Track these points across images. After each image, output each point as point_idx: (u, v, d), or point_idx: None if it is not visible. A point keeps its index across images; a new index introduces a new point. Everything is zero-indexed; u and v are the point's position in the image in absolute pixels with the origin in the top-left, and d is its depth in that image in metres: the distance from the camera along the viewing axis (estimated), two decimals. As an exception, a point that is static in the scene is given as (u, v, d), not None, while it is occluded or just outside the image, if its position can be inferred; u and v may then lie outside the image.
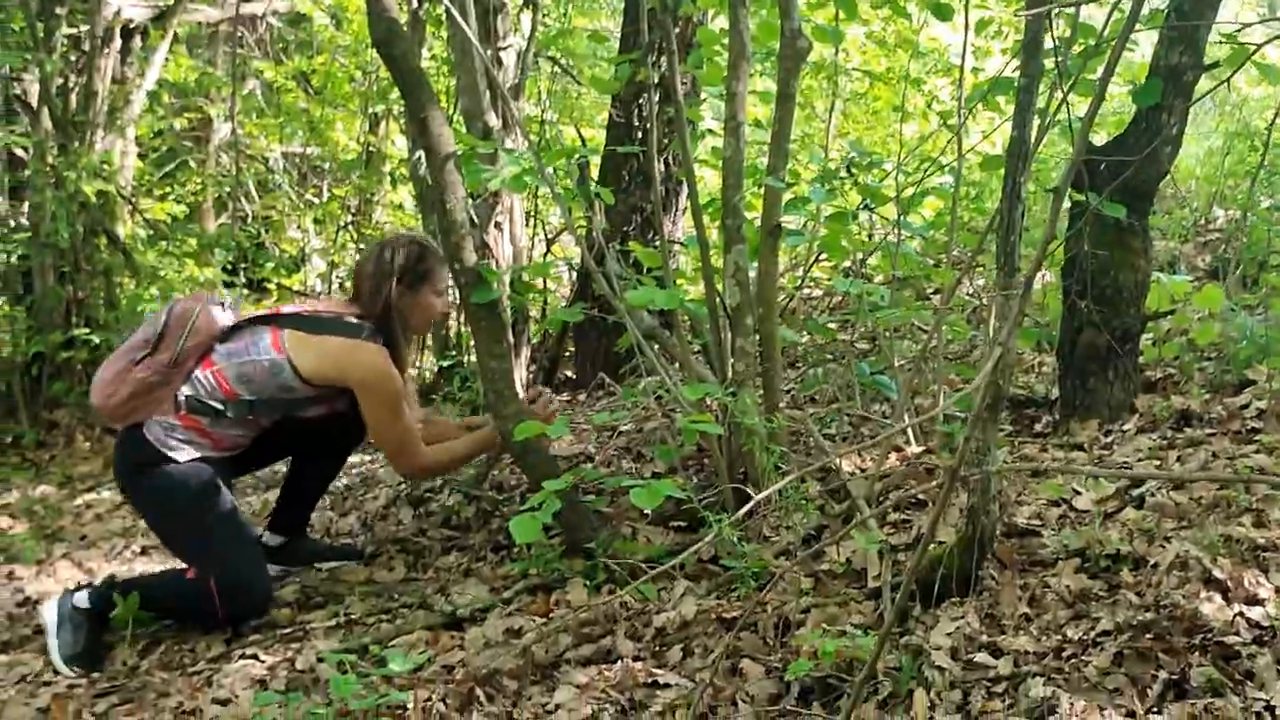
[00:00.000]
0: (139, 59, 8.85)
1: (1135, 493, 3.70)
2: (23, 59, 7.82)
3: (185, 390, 4.20)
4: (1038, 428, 4.80)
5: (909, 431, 4.49)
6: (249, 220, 11.32)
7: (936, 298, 6.36)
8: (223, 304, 4.39)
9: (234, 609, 4.15)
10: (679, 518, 4.32)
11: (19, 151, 8.21)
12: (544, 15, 9.09)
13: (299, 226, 11.26)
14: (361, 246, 9.91)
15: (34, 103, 8.12)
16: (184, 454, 4.18)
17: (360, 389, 4.28)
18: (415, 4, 7.61)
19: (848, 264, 6.56)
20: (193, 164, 11.03)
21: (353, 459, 6.29)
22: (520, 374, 6.40)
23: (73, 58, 8.37)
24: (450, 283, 4.35)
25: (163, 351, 4.20)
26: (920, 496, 3.94)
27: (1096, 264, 4.44)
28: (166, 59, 9.35)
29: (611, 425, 5.49)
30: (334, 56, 10.75)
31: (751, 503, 3.19)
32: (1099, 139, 5.01)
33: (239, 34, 11.51)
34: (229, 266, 10.95)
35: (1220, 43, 4.09)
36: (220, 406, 4.22)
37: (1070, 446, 4.35)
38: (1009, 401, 4.94)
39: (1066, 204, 4.33)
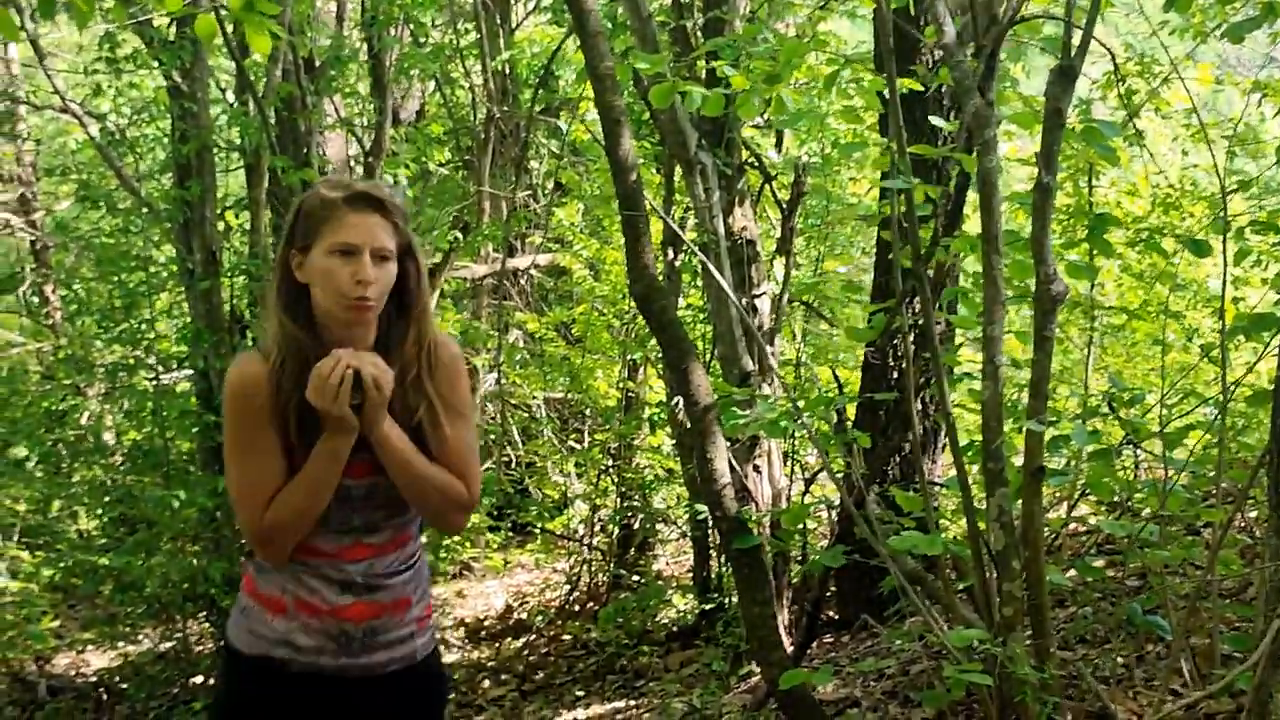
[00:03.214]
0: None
1: None
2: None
3: None
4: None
5: (1186, 674, 4.36)
6: (513, 465, 11.60)
7: (1207, 532, 6.19)
8: None
9: None
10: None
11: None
12: (797, 259, 9.26)
13: (561, 471, 11.49)
14: (624, 491, 10.06)
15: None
16: None
17: None
18: (671, 255, 7.84)
19: (1114, 500, 6.44)
20: (460, 413, 11.36)
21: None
22: (783, 617, 6.39)
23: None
24: (361, 240, 2.90)
25: None
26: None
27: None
28: (434, 314, 9.76)
29: (878, 670, 5.43)
30: (593, 306, 11.07)
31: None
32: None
33: (503, 287, 11.96)
34: (494, 512, 11.23)
35: None
36: None
37: (1360, 689, 4.17)
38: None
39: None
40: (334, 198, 2.93)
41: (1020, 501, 4.21)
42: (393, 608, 3.06)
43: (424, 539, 3.30)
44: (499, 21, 12.01)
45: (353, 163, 12.19)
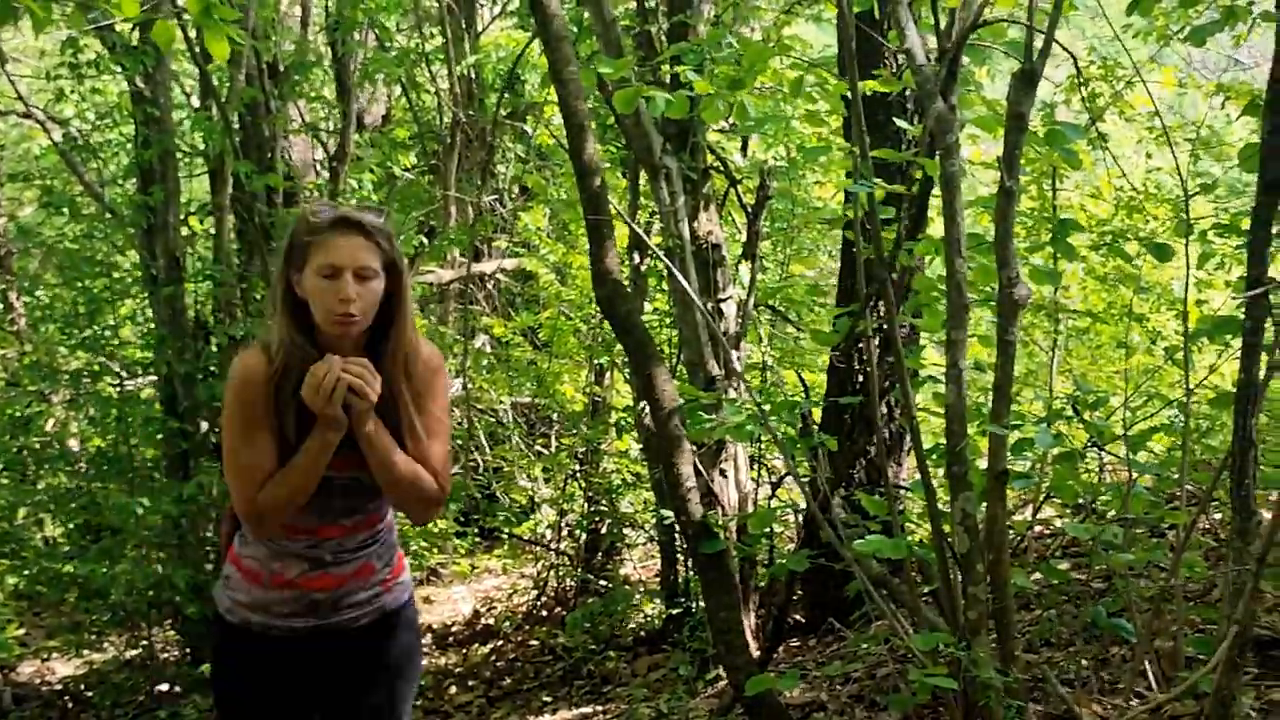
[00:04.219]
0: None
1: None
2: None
3: None
4: (1287, 670, 4.62)
5: (1150, 677, 4.37)
6: (480, 470, 11.57)
7: (1171, 535, 6.21)
8: None
9: None
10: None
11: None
12: (763, 263, 9.26)
13: (528, 476, 11.47)
14: (591, 496, 10.05)
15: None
16: None
17: None
18: (637, 259, 7.84)
19: (1079, 503, 6.46)
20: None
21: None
22: (749, 622, 6.39)
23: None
24: (344, 261, 3.19)
25: None
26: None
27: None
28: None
29: (844, 673, 5.43)
30: (560, 311, 11.06)
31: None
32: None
33: (469, 292, 11.94)
34: (461, 517, 11.20)
35: None
36: None
37: (1322, 690, 4.19)
38: (1254, 643, 4.77)
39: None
40: (319, 223, 3.24)
41: (985, 505, 4.22)
42: (355, 575, 3.46)
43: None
44: (464, 26, 11.99)
45: (317, 167, 12.15)
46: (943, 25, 4.35)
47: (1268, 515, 3.29)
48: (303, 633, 3.44)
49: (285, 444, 3.28)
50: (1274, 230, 3.86)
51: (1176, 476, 5.15)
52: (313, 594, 3.42)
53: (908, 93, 6.26)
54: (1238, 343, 3.41)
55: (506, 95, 10.88)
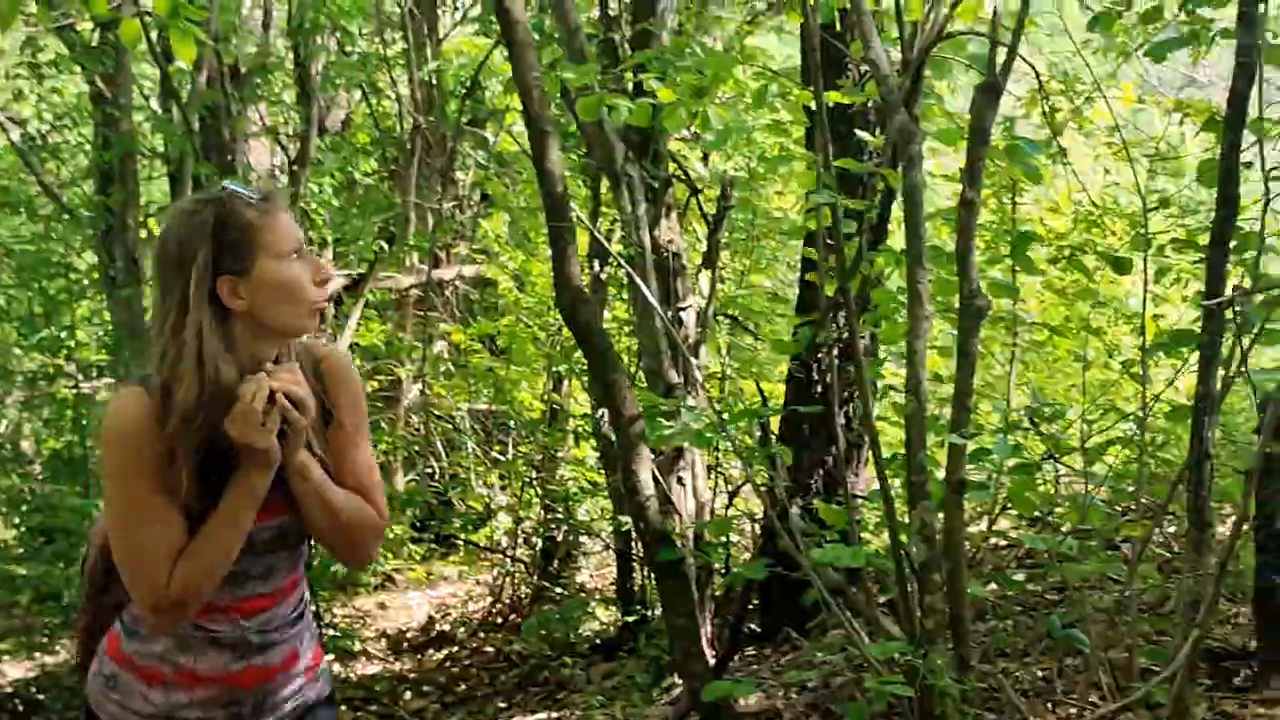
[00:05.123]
0: (334, 326, 9.21)
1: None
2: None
3: None
4: (1236, 681, 4.66)
5: (1105, 687, 4.40)
6: (436, 477, 11.56)
7: (1126, 547, 6.26)
8: None
9: None
10: (871, 778, 4.25)
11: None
12: (723, 273, 9.29)
13: (485, 483, 11.46)
14: (548, 503, 10.05)
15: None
16: None
17: None
18: (597, 267, 7.85)
19: (1035, 515, 6.50)
20: (384, 424, 11.34)
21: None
22: (706, 630, 6.40)
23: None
24: (300, 238, 2.65)
25: None
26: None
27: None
28: (359, 324, 9.73)
29: (800, 682, 5.45)
30: (519, 318, 11.06)
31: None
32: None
33: (428, 298, 11.93)
34: (417, 523, 11.18)
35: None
36: None
37: (1272, 702, 4.23)
38: (1205, 654, 4.81)
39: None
40: (256, 203, 2.58)
41: (942, 515, 4.24)
42: (283, 666, 2.77)
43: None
44: (426, 31, 11.97)
45: (278, 171, 12.11)
46: (906, 37, 4.37)
47: (1224, 528, 3.33)
48: None
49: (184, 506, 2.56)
50: (1230, 245, 3.91)
51: (1133, 489, 5.20)
52: (235, 690, 2.70)
53: (870, 104, 6.29)
54: (1195, 357, 3.45)
55: (468, 101, 10.87)
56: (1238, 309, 3.57)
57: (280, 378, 2.53)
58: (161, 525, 2.52)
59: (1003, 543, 7.72)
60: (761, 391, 7.32)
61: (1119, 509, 6.07)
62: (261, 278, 2.55)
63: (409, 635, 10.27)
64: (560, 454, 10.38)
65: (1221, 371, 3.60)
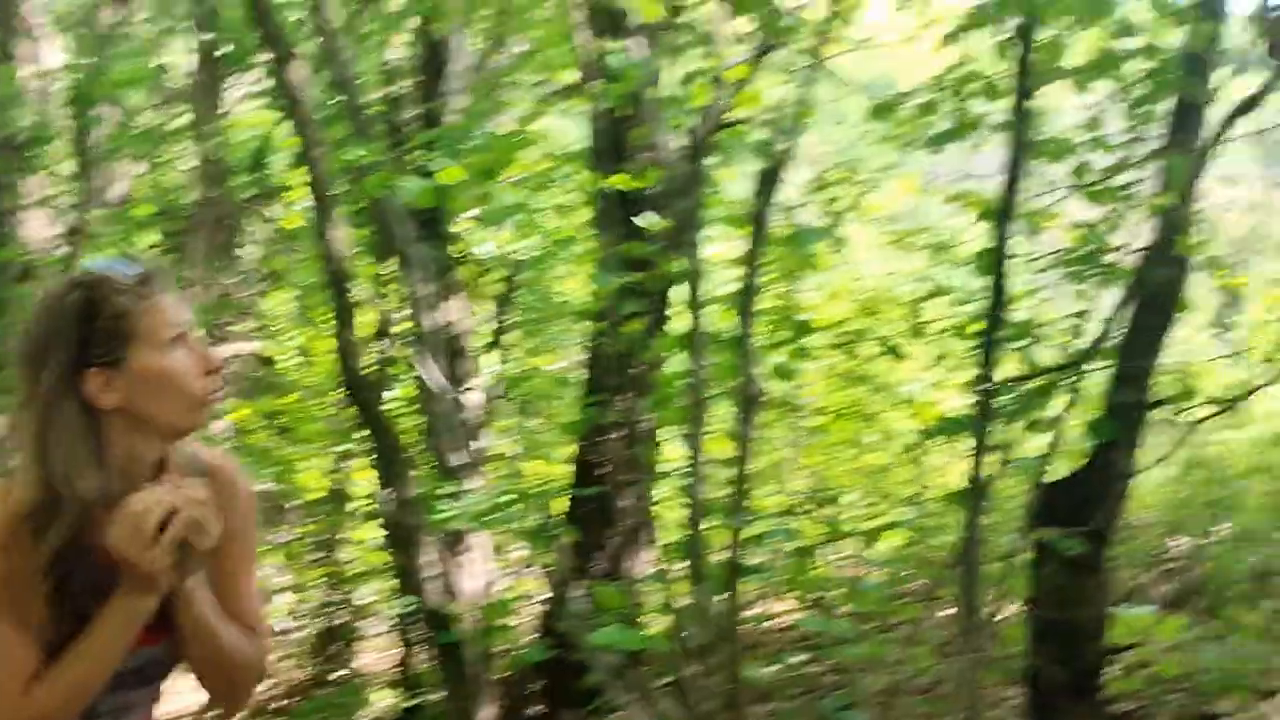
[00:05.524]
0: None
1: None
2: None
3: None
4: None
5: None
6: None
7: (904, 629, 6.36)
8: None
9: None
10: None
11: None
12: (509, 354, 9.27)
13: (264, 563, 11.22)
14: (330, 584, 9.88)
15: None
16: None
17: None
18: (385, 346, 7.78)
19: (814, 596, 6.57)
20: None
21: None
22: (489, 712, 6.33)
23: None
24: (185, 321, 2.26)
25: None
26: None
27: (1056, 599, 4.46)
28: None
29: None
30: (302, 395, 10.90)
31: None
32: (1059, 471, 5.09)
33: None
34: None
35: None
36: None
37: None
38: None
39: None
40: (131, 284, 2.21)
41: (721, 597, 4.26)
42: None
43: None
44: (214, 105, 11.80)
45: (55, 244, 11.79)
46: (689, 125, 4.43)
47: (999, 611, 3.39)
48: None
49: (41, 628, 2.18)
50: (1002, 333, 4.02)
51: (907, 573, 5.29)
52: None
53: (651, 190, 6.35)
54: (968, 441, 3.53)
55: (254, 175, 10.74)
56: (1008, 396, 3.67)
57: (183, 494, 2.15)
58: (15, 647, 2.16)
59: (783, 625, 7.78)
60: (545, 473, 7.32)
61: (895, 592, 6.16)
62: (138, 369, 2.20)
63: (183, 721, 9.98)
64: (343, 534, 10.22)
65: (992, 457, 3.68)
